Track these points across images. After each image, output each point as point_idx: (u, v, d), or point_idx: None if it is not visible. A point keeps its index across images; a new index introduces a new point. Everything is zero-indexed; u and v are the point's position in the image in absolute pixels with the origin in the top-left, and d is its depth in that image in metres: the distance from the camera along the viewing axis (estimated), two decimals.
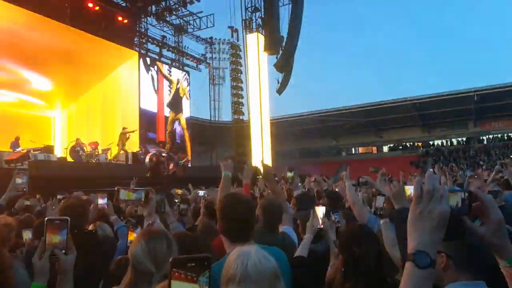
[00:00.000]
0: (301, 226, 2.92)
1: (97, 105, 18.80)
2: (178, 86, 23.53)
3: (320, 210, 2.70)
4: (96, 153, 14.72)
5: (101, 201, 3.16)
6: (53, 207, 4.05)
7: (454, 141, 39.06)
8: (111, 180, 10.29)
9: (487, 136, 37.67)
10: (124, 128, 16.34)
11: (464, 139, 38.38)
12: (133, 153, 16.04)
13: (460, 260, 1.30)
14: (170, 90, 23.09)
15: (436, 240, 0.95)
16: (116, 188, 2.58)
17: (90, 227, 2.88)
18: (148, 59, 21.57)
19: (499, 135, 37.10)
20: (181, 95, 23.84)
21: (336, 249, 2.60)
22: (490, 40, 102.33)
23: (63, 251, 1.55)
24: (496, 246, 1.04)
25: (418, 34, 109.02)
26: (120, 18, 19.91)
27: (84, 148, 14.48)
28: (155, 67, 21.94)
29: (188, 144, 24.22)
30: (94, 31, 17.92)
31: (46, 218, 1.60)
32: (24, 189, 3.08)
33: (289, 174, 3.89)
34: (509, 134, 36.66)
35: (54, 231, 1.55)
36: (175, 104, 23.45)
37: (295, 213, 3.43)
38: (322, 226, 2.65)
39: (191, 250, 2.29)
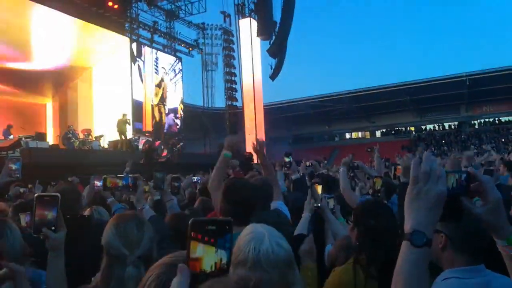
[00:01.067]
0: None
1: (89, 92, 18.63)
2: (162, 86, 23.20)
3: (318, 189, 2.73)
4: (89, 140, 14.66)
5: (98, 183, 3.17)
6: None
7: (446, 125, 39.38)
8: (105, 167, 10.30)
9: (478, 121, 38.03)
10: (124, 115, 16.16)
11: (456, 123, 38.70)
12: (126, 140, 16.00)
13: (458, 241, 1.33)
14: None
15: (432, 220, 0.96)
16: (103, 177, 2.59)
17: (87, 212, 2.91)
18: (134, 50, 21.14)
19: (491, 119, 37.47)
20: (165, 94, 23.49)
21: (336, 227, 2.66)
22: (484, 25, 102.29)
23: (53, 228, 1.54)
24: (494, 226, 1.05)
25: (410, 18, 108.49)
26: (110, 4, 19.55)
27: (77, 135, 14.41)
28: (142, 57, 21.62)
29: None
30: (84, 16, 17.63)
31: (36, 195, 1.59)
32: (17, 175, 3.07)
33: (287, 159, 3.93)
34: (500, 118, 37.03)
35: (44, 208, 1.54)
36: (162, 100, 23.25)
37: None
38: (320, 205, 2.68)
39: (181, 225, 2.35)
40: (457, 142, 36.01)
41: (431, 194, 0.96)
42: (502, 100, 34.59)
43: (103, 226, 2.57)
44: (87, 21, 17.70)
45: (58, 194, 1.57)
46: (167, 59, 24.05)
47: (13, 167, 3.02)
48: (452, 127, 38.88)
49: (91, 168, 10.52)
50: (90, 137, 14.86)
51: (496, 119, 37.21)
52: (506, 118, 36.80)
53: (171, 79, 24.12)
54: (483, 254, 1.34)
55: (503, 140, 33.25)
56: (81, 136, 14.58)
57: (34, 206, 1.54)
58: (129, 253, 1.44)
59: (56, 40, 16.45)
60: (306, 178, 4.92)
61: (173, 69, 24.33)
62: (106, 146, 15.71)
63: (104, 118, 17.75)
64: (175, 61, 24.75)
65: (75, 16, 17.11)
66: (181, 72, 25.14)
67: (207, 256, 0.82)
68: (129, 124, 15.95)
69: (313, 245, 2.22)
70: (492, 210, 1.04)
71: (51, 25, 16.17)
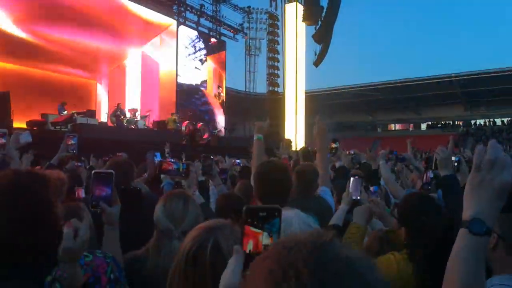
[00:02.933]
0: (337, 197, 2.93)
1: (137, 72, 19.29)
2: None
3: (357, 181, 2.64)
4: (135, 119, 15.24)
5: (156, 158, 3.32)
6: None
7: (498, 121, 37.14)
8: (149, 145, 10.72)
9: None
10: (172, 114, 16.43)
11: (509, 119, 36.40)
12: (161, 121, 16.47)
13: (509, 241, 1.26)
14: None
15: (494, 210, 0.92)
16: (158, 161, 2.69)
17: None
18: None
19: None
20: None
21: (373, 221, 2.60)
22: None
23: (109, 203, 1.62)
24: None
25: (467, 9, 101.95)
26: None
27: (125, 113, 15.03)
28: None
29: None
30: None
31: (93, 171, 1.69)
32: (74, 151, 3.22)
33: (334, 145, 3.84)
34: None
35: (101, 183, 1.62)
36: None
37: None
38: (359, 198, 2.60)
39: (231, 209, 2.44)
40: (509, 139, 33.94)
41: (496, 182, 0.91)
42: None
43: (152, 198, 2.73)
44: (137, 3, 18.21)
45: (113, 171, 1.66)
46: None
47: (71, 142, 3.18)
48: (505, 123, 36.63)
49: (137, 144, 10.99)
50: (136, 116, 15.45)
51: None
52: None
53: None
54: None
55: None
56: (128, 115, 15.19)
57: (92, 182, 1.64)
58: (175, 228, 1.58)
59: (108, 20, 17.08)
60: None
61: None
62: (150, 125, 16.27)
63: (150, 98, 18.38)
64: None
65: None
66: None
67: (255, 239, 0.88)
68: (178, 123, 16.19)
69: (369, 209, 2.24)
70: None
71: (104, 4, 16.81)
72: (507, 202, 0.92)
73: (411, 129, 40.78)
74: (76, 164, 4.93)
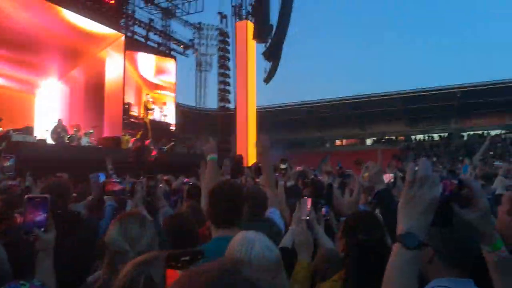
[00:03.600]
0: (291, 217, 2.90)
1: (81, 86, 18.40)
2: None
3: (307, 202, 2.64)
4: (79, 136, 14.44)
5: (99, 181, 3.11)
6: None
7: (436, 136, 39.82)
8: (93, 164, 10.14)
9: (467, 133, 38.53)
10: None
11: (446, 134, 39.18)
12: (116, 137, 15.81)
13: (445, 255, 1.33)
14: None
15: (425, 224, 0.99)
16: (101, 182, 2.54)
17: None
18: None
19: (480, 132, 38.02)
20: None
21: (323, 241, 2.58)
22: (477, 38, 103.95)
23: (43, 229, 1.55)
24: (482, 232, 1.10)
25: (408, 29, 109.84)
26: None
27: (66, 130, 14.18)
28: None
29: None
30: (79, 10, 17.43)
31: (26, 196, 1.60)
32: (11, 173, 3.00)
33: (282, 166, 3.83)
34: (489, 131, 37.54)
35: (35, 209, 1.55)
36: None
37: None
38: (308, 218, 2.59)
39: (179, 231, 2.32)
40: (446, 153, 36.39)
41: (425, 198, 0.98)
42: (491, 114, 35.18)
43: (91, 222, 2.53)
44: (81, 15, 17.50)
45: (48, 196, 1.60)
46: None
47: (7, 163, 2.95)
48: (442, 137, 39.34)
49: (80, 164, 10.36)
50: (79, 132, 14.63)
51: (485, 132, 37.74)
52: (495, 132, 37.35)
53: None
54: (470, 269, 1.32)
55: (491, 153, 33.70)
56: (70, 131, 14.35)
57: (25, 207, 1.56)
58: (131, 248, 1.54)
59: (48, 32, 16.21)
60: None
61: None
62: (95, 142, 15.49)
63: (95, 114, 17.54)
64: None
65: (69, 9, 16.91)
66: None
67: None
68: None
69: (308, 237, 2.20)
70: (481, 217, 1.08)
71: (44, 17, 15.96)
72: (435, 217, 1.00)
73: (357, 144, 42.51)
74: (9, 184, 4.47)
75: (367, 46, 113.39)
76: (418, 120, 39.01)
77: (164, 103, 23.20)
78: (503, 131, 37.27)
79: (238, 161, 20.84)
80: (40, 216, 1.54)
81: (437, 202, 0.99)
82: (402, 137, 40.89)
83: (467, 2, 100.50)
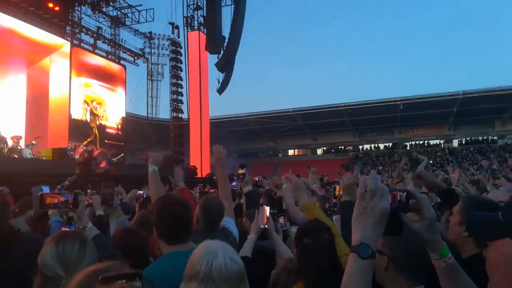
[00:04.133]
0: (250, 225, 2.90)
1: (21, 96, 17.34)
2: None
3: (265, 210, 2.69)
4: (19, 147, 13.59)
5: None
6: None
7: (381, 145, 41.79)
8: (37, 177, 9.59)
9: (410, 143, 40.84)
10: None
11: (390, 144, 41.23)
12: (61, 149, 15.05)
13: (399, 262, 1.40)
14: None
15: (377, 234, 1.04)
16: (39, 194, 2.40)
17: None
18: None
19: (421, 142, 40.46)
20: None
21: (282, 249, 2.62)
22: (416, 55, 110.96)
23: None
24: (429, 240, 1.16)
25: (359, 38, 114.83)
26: (51, 5, 18.52)
27: (5, 141, 13.28)
28: None
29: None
30: (21, 15, 16.53)
31: None
32: None
33: (241, 171, 3.88)
34: (429, 141, 40.12)
35: None
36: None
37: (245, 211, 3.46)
38: (266, 226, 2.64)
39: (130, 246, 2.26)
40: (391, 162, 38.25)
41: (376, 209, 1.04)
42: (432, 124, 37.60)
43: (33, 240, 2.39)
44: (24, 21, 16.60)
45: None
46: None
47: None
48: (387, 147, 41.34)
49: (21, 177, 9.74)
50: (19, 144, 13.78)
51: (426, 141, 40.26)
52: (434, 142, 39.97)
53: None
54: (424, 275, 1.39)
55: (431, 162, 35.94)
56: (10, 143, 13.47)
57: None
58: (65, 274, 1.36)
59: None
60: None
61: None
62: (38, 154, 14.63)
63: (38, 124, 16.58)
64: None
65: (12, 15, 15.99)
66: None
67: None
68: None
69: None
70: (427, 226, 1.14)
71: None
72: (386, 227, 1.05)
73: (308, 154, 43.53)
74: None
75: (319, 60, 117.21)
76: (365, 131, 40.79)
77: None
78: (441, 141, 39.97)
79: (192, 171, 20.58)
80: None
81: (388, 213, 1.04)
82: (350, 147, 42.46)
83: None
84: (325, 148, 43.32)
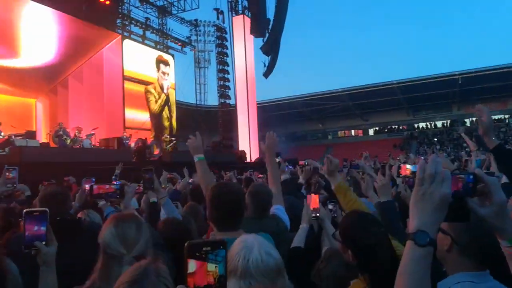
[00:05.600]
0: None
1: (80, 89, 18.37)
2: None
3: (315, 198, 2.61)
4: (80, 138, 14.44)
5: (87, 187, 3.07)
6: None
7: (439, 123, 39.61)
8: (97, 166, 10.14)
9: (470, 119, 38.31)
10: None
11: (448, 122, 38.96)
12: (118, 138, 15.80)
13: (464, 245, 1.32)
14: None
15: (436, 221, 1.00)
16: (88, 186, 2.49)
17: (79, 215, 2.81)
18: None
19: None
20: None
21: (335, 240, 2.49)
22: (474, 25, 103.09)
23: (44, 243, 1.54)
24: (498, 227, 1.07)
25: (404, 19, 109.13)
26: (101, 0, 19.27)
27: (68, 133, 14.17)
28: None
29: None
30: (74, 12, 17.35)
31: (25, 211, 1.57)
32: (14, 185, 2.96)
33: (276, 160, 3.80)
34: (493, 117, 37.28)
35: (34, 223, 1.54)
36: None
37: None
38: (318, 215, 2.57)
39: (174, 233, 2.29)
40: (450, 140, 36.23)
41: (436, 195, 0.99)
42: (494, 99, 34.91)
43: (94, 229, 2.48)
44: (77, 17, 17.41)
45: (47, 209, 1.57)
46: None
47: (10, 175, 2.90)
48: (445, 125, 39.13)
49: (83, 166, 10.35)
50: (80, 135, 14.64)
51: None
52: (497, 117, 37.13)
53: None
54: (489, 261, 1.30)
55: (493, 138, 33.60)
56: (71, 134, 14.35)
57: (23, 222, 1.55)
58: (127, 252, 1.47)
59: (45, 36, 16.16)
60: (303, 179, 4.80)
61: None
62: (97, 144, 15.50)
63: (96, 115, 17.53)
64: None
65: (65, 12, 16.82)
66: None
67: (199, 271, 0.88)
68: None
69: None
70: (497, 212, 1.06)
71: (40, 21, 15.88)
72: (449, 213, 1.00)
73: (359, 135, 42.35)
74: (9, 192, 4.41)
75: (366, 37, 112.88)
76: (420, 108, 38.79)
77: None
78: (506, 116, 37.07)
79: (241, 157, 20.83)
80: (40, 230, 1.54)
81: (448, 199, 0.99)
82: (404, 127, 40.70)
83: None
84: (377, 128, 41.88)
